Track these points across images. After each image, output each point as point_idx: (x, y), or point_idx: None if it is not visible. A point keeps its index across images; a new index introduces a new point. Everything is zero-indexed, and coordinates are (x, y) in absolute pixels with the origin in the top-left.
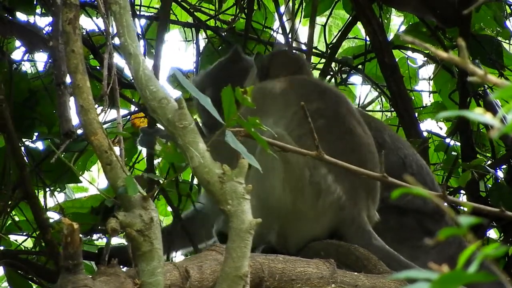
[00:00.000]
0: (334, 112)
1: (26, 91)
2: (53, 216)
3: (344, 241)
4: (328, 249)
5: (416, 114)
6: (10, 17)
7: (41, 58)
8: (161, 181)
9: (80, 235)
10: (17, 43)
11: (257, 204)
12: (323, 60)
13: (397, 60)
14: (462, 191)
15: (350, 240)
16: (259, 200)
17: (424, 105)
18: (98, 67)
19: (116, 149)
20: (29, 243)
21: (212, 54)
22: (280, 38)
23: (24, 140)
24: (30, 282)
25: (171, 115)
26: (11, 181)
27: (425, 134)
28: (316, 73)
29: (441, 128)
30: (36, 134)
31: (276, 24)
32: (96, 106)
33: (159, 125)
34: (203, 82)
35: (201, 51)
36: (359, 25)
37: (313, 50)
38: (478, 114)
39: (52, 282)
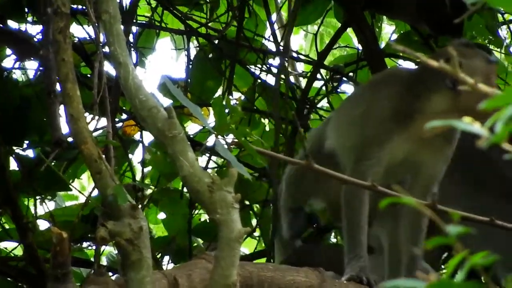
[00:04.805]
0: None
1: (17, 98)
2: (44, 224)
3: None
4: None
5: None
6: (1, 25)
7: (32, 66)
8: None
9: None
10: (8, 51)
11: None
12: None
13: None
14: None
15: None
16: None
17: None
18: (89, 75)
19: None
20: (19, 251)
21: (204, 62)
22: (271, 46)
23: (14, 148)
24: None
25: (160, 124)
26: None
27: None
28: (305, 81)
29: None
30: (27, 142)
31: (268, 32)
32: (87, 114)
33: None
34: None
35: (192, 59)
36: (351, 33)
37: (304, 57)
38: (466, 123)
39: None
